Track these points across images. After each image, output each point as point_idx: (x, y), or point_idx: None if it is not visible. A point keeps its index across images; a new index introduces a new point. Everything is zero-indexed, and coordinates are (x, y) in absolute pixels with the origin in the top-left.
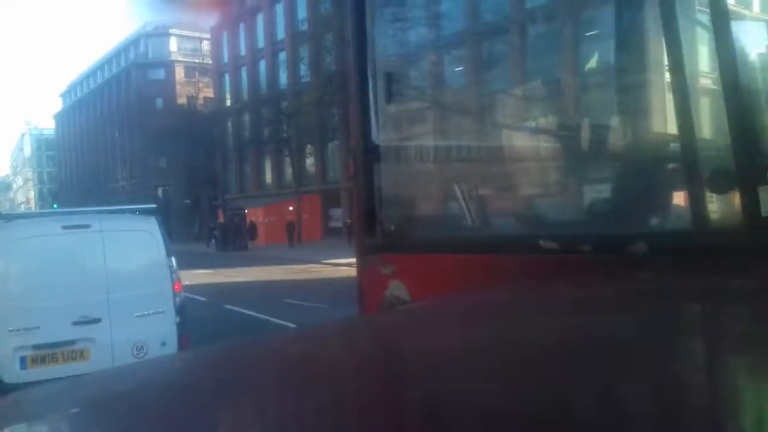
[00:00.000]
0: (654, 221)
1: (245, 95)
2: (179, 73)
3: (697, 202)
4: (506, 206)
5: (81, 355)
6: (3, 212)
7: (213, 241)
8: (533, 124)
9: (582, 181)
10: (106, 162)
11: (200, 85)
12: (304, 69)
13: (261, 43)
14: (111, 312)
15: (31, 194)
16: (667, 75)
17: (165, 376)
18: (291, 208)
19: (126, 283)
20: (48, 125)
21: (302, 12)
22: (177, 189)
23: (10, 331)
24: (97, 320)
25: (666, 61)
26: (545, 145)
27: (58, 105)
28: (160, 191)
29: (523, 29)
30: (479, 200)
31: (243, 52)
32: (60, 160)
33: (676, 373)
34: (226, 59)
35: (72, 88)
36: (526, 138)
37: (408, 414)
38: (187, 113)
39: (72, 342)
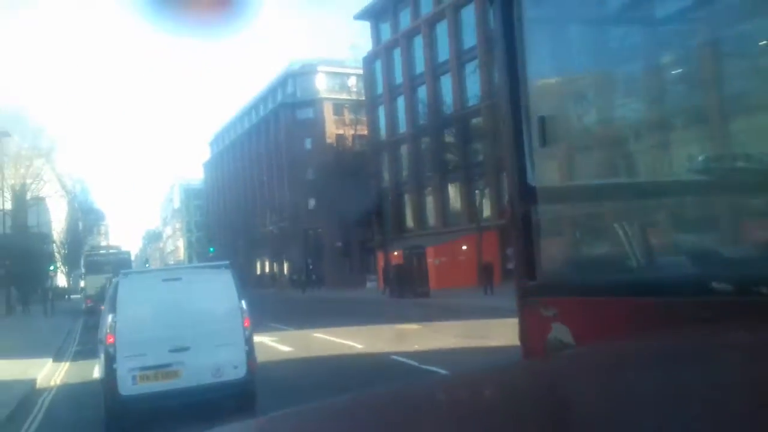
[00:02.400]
0: None
1: (402, 126)
2: (327, 110)
3: None
4: (672, 246)
5: (175, 374)
6: (123, 271)
7: (375, 284)
8: (697, 160)
9: (756, 218)
10: (254, 207)
11: (348, 121)
12: (472, 91)
13: (420, 67)
14: (196, 342)
15: (179, 243)
16: None
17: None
18: (465, 247)
19: (207, 320)
20: (196, 176)
21: (467, 30)
22: (327, 231)
23: (125, 356)
24: (186, 348)
25: None
26: (712, 180)
27: (206, 155)
28: (309, 234)
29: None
30: (643, 241)
31: (399, 79)
32: (208, 208)
33: None
34: (380, 90)
35: (220, 136)
36: (690, 175)
37: None
38: (336, 152)
39: (169, 365)
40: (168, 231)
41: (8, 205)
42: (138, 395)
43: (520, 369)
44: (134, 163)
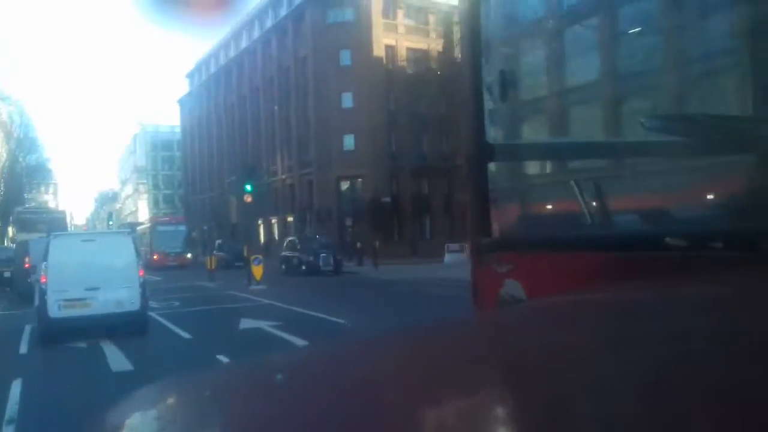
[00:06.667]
0: None
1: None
2: (376, 9)
3: None
4: (628, 203)
5: (88, 305)
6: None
7: (460, 256)
8: (656, 118)
9: (712, 174)
10: (258, 150)
11: (404, 25)
12: None
13: None
14: (104, 284)
15: (141, 203)
16: None
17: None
18: None
19: (112, 269)
20: (163, 123)
21: None
22: (371, 180)
23: (53, 290)
24: (97, 288)
25: None
26: (668, 138)
27: (182, 90)
28: (345, 186)
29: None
30: (598, 198)
31: None
32: (185, 155)
33: None
34: None
35: (205, 62)
36: (648, 132)
37: (524, 419)
38: (389, 70)
39: (84, 299)
40: (128, 190)
41: None
42: (62, 318)
43: (465, 322)
44: (88, 116)
